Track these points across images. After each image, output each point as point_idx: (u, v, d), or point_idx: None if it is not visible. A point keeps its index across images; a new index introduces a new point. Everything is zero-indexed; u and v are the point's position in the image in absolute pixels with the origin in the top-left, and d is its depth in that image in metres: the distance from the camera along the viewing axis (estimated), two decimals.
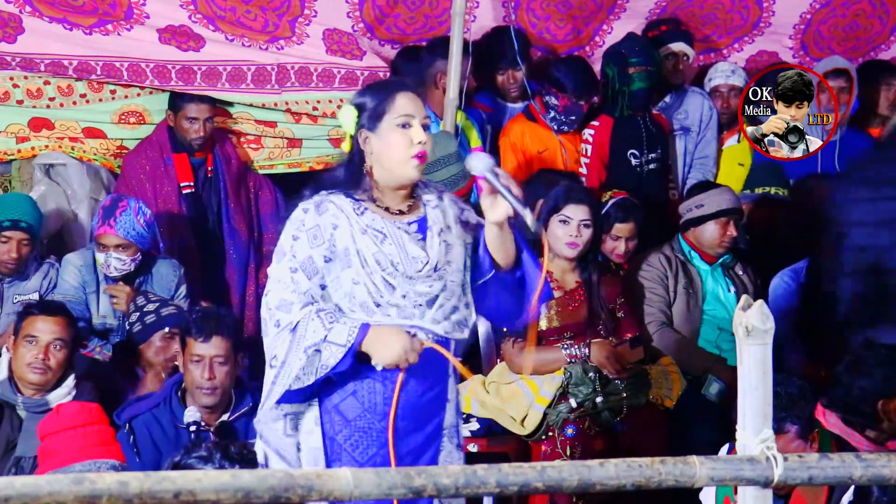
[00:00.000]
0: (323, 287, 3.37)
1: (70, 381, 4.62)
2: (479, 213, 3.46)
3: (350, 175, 3.44)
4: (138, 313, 4.99)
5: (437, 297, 3.40)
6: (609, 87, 5.92)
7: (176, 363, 4.79)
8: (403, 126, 3.37)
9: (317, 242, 3.35)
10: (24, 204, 5.38)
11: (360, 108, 3.42)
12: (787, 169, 5.96)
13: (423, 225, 3.44)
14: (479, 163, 3.32)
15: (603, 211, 5.37)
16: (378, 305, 3.36)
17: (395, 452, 3.38)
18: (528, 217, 3.27)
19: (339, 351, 3.27)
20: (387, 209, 3.43)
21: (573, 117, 5.92)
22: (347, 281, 3.36)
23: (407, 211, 3.45)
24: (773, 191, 5.89)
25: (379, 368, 3.34)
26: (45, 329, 4.57)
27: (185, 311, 5.03)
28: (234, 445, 3.70)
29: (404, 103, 3.38)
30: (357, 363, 3.34)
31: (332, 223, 3.36)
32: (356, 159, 3.43)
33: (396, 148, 3.36)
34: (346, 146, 3.47)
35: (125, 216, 5.19)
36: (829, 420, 4.11)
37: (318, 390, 3.40)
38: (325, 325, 3.29)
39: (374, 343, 3.29)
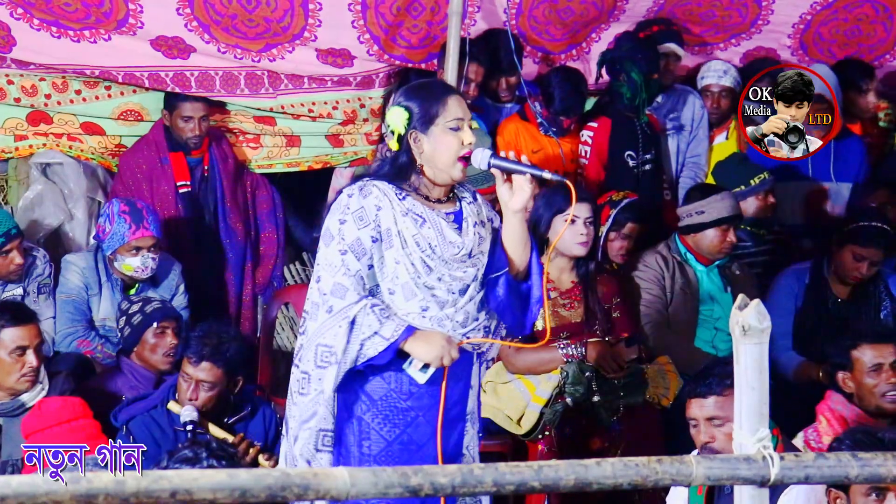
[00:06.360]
0: (370, 267, 3.54)
1: (41, 377, 4.52)
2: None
3: (397, 171, 3.61)
4: (125, 317, 4.96)
5: (468, 286, 3.59)
6: (635, 92, 5.89)
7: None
8: (455, 129, 3.54)
9: (363, 223, 3.52)
10: (4, 213, 5.34)
11: (410, 110, 3.57)
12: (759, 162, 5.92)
13: (458, 216, 3.64)
14: (478, 156, 3.53)
15: (617, 209, 5.39)
16: (417, 287, 3.52)
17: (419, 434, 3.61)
18: (547, 174, 3.49)
19: (382, 343, 3.47)
20: (426, 198, 3.61)
21: (553, 129, 5.92)
22: (391, 260, 3.53)
23: (445, 201, 3.64)
24: (766, 176, 5.85)
25: (416, 371, 3.53)
26: (23, 336, 4.44)
27: (170, 303, 5.07)
28: (216, 441, 3.71)
29: (455, 107, 3.56)
30: (393, 359, 3.52)
31: (375, 204, 3.54)
32: (404, 157, 3.60)
33: (448, 150, 3.55)
34: (393, 145, 3.62)
35: (151, 215, 5.25)
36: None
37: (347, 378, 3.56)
38: (379, 320, 3.46)
39: (417, 341, 3.48)
